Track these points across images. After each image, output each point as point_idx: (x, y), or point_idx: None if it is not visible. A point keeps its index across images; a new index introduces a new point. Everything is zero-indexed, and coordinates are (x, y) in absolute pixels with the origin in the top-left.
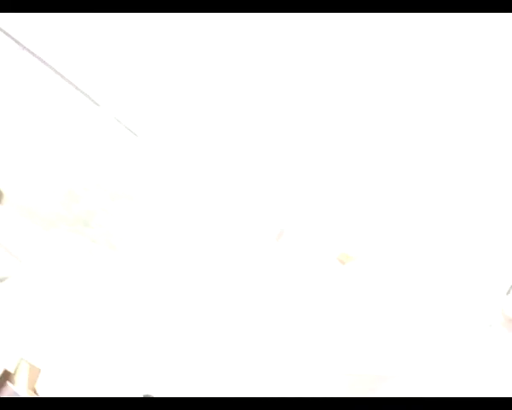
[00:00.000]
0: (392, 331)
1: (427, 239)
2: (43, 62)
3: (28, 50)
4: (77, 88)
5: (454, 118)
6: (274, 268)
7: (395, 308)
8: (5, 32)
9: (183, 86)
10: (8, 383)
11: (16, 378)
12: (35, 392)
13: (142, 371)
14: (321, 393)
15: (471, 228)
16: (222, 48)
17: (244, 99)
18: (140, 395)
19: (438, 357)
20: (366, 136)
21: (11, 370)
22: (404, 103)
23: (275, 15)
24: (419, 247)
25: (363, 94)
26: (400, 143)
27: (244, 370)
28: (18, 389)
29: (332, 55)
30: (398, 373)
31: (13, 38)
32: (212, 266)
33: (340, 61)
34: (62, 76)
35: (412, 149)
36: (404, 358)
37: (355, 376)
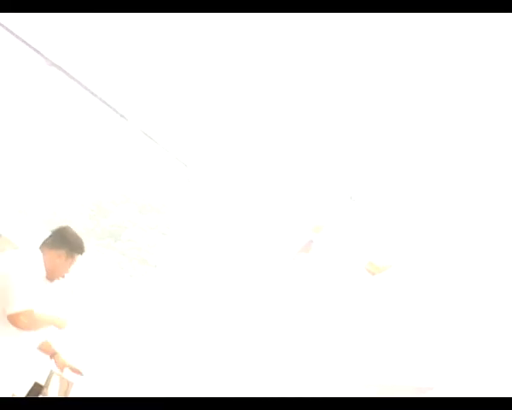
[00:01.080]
0: (424, 342)
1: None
2: (71, 77)
3: (56, 66)
4: (105, 102)
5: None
6: (303, 279)
7: (428, 318)
8: (34, 49)
9: (204, 96)
10: (39, 396)
11: (48, 391)
12: None
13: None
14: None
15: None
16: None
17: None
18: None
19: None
20: (392, 145)
21: (42, 383)
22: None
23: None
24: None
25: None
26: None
27: (275, 375)
28: None
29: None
30: (435, 385)
31: (41, 54)
32: (242, 275)
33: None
34: (90, 90)
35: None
36: (440, 370)
37: (391, 387)
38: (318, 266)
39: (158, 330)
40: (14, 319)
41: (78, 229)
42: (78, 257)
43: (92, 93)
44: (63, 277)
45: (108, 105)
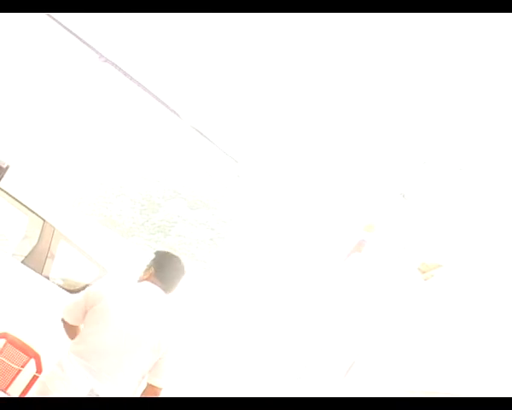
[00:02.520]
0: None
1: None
2: (125, 73)
3: (110, 61)
4: (158, 99)
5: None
6: (356, 278)
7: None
8: (88, 45)
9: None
10: None
11: None
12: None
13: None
14: None
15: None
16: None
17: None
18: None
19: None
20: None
21: None
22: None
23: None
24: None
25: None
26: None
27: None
28: None
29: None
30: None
31: (95, 50)
32: (293, 273)
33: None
34: (143, 87)
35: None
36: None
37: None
38: (371, 265)
39: (206, 325)
40: None
41: (129, 223)
42: None
43: (145, 89)
44: None
45: (161, 101)
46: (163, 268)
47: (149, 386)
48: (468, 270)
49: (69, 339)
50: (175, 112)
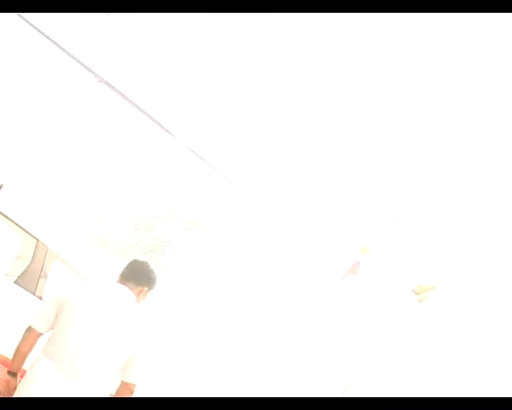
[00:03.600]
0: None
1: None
2: (119, 93)
3: (105, 82)
4: (152, 119)
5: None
6: (349, 300)
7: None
8: (84, 65)
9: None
10: None
11: None
12: None
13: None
14: None
15: None
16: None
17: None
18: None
19: None
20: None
21: None
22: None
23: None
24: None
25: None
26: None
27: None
28: None
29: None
30: None
31: (90, 70)
32: (286, 294)
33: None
34: (138, 106)
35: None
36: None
37: None
38: (366, 287)
39: (199, 343)
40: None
41: (123, 243)
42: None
43: (140, 109)
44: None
45: (155, 121)
46: (128, 268)
47: (122, 383)
48: (462, 291)
49: (24, 349)
50: (169, 131)
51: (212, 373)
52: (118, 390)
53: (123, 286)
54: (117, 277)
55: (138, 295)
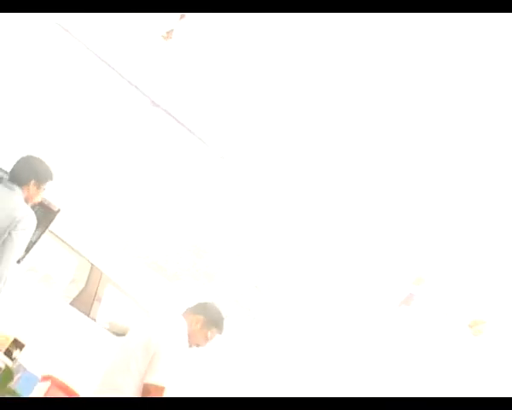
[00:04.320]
0: None
1: None
2: (172, 117)
3: (159, 106)
4: (202, 140)
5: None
6: (403, 332)
7: None
8: (139, 89)
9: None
10: None
11: None
12: None
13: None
14: None
15: None
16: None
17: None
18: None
19: None
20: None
21: None
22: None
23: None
24: None
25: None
26: None
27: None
28: None
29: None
30: None
31: (145, 95)
32: (339, 325)
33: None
34: (188, 128)
35: None
36: None
37: None
38: (419, 319)
39: (245, 371)
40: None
41: (175, 268)
42: (214, 330)
43: (191, 131)
44: (197, 346)
45: (206, 144)
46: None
47: (144, 385)
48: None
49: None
50: (219, 155)
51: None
52: (142, 393)
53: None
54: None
55: (192, 325)
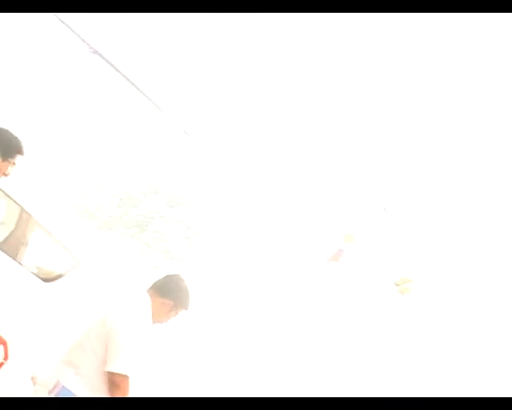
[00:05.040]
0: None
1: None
2: (111, 65)
3: (96, 52)
4: (142, 92)
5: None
6: (329, 288)
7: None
8: (76, 34)
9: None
10: None
11: None
12: None
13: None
14: None
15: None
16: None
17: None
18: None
19: None
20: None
21: None
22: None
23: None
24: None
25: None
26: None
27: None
28: None
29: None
30: None
31: (85, 41)
32: (266, 277)
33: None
34: (129, 79)
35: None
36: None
37: None
38: (347, 275)
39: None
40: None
41: (107, 216)
42: (181, 312)
43: (132, 83)
44: (160, 323)
45: (146, 96)
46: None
47: (107, 374)
48: (444, 284)
49: None
50: (158, 106)
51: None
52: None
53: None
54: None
55: (160, 307)
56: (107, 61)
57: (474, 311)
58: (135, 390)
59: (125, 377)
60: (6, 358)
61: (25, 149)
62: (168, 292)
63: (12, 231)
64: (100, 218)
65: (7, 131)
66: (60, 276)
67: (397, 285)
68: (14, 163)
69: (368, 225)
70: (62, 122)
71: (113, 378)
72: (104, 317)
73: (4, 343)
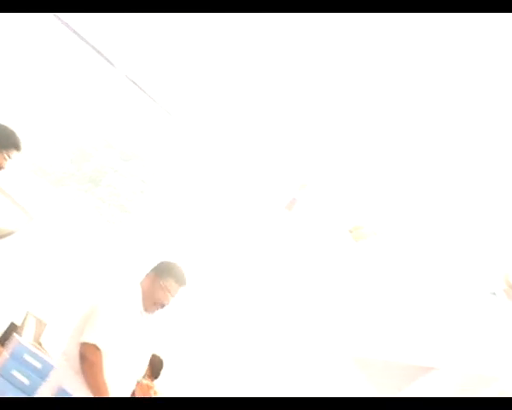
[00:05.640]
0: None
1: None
2: (60, 20)
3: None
4: (92, 47)
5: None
6: (284, 238)
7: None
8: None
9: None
10: (14, 334)
11: (23, 331)
12: (40, 345)
13: None
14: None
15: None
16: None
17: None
18: None
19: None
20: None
21: (18, 323)
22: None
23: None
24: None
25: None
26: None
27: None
28: (24, 340)
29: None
30: (441, 366)
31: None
32: (221, 228)
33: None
34: (79, 34)
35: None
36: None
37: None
38: (300, 224)
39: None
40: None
41: (59, 172)
42: (167, 279)
43: (81, 37)
44: (162, 306)
45: (96, 50)
46: None
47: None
48: (399, 233)
49: None
50: (109, 60)
51: None
52: None
53: None
54: None
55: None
56: (55, 16)
57: (428, 263)
58: (113, 369)
59: (92, 346)
60: None
61: (21, 144)
62: (150, 269)
63: None
64: (53, 175)
65: (1, 124)
66: (11, 232)
67: (350, 232)
68: (8, 157)
69: (322, 173)
70: (8, 74)
71: (80, 350)
72: (89, 305)
73: None
